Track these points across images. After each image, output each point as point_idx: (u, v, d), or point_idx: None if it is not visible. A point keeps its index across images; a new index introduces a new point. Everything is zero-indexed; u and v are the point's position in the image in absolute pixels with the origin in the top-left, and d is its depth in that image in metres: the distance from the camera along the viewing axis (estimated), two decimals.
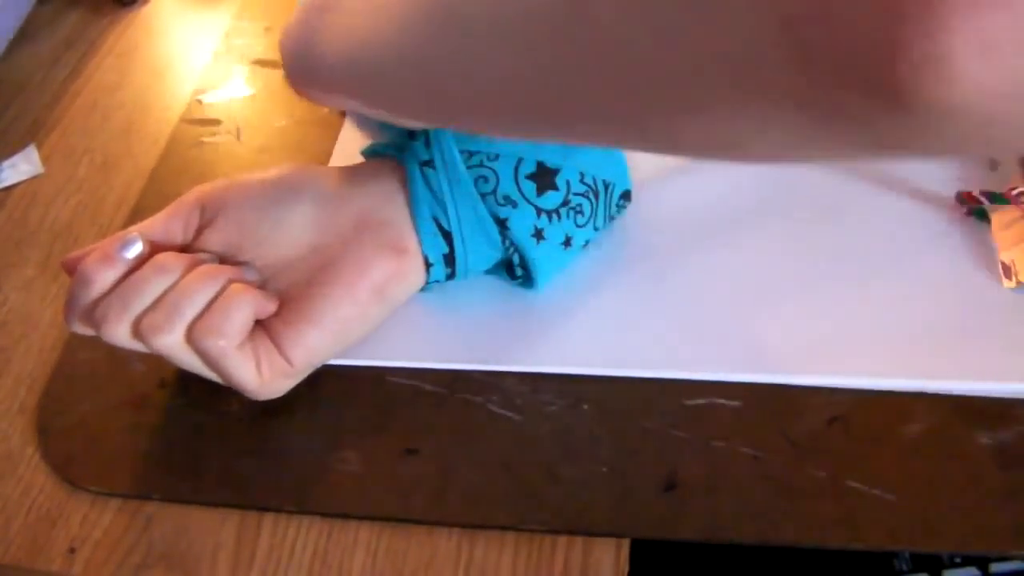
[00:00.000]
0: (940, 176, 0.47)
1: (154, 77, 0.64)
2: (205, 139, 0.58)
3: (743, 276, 0.45)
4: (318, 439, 0.42)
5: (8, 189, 0.58)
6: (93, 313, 0.39)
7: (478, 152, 0.43)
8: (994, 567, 0.51)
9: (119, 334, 0.39)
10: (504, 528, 0.39)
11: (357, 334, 0.43)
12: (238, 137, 0.58)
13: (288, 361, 0.41)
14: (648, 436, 0.40)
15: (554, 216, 0.43)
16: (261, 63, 0.63)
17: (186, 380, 0.45)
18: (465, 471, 0.40)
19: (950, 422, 0.39)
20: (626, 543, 0.38)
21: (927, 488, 0.37)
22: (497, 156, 0.43)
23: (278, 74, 0.62)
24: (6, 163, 0.59)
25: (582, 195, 0.44)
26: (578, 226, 0.44)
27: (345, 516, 0.40)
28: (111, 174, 0.57)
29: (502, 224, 0.43)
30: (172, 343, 0.39)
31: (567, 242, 0.44)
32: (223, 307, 0.39)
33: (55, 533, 0.41)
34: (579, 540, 0.38)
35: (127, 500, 0.42)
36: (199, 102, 0.61)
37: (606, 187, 0.45)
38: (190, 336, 0.39)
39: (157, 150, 0.58)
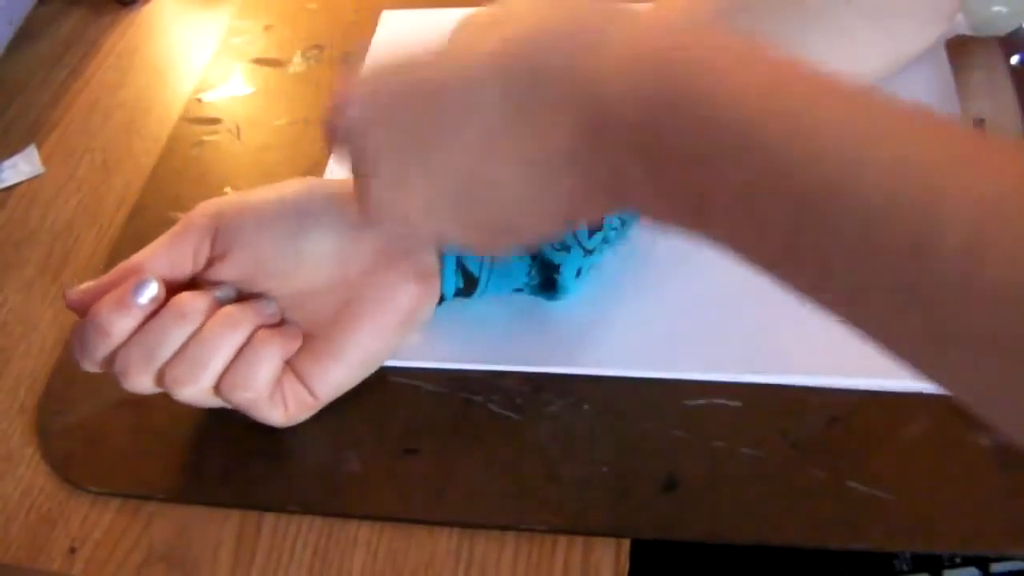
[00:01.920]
0: None
1: (154, 76, 0.64)
2: (205, 138, 0.58)
3: (743, 276, 0.45)
4: (318, 439, 0.42)
5: (8, 189, 0.58)
6: (113, 363, 0.38)
7: None
8: (994, 567, 0.51)
9: (141, 385, 0.38)
10: (504, 528, 0.39)
11: (381, 361, 0.43)
12: (238, 136, 0.58)
13: (314, 396, 0.41)
14: (648, 436, 0.40)
15: (593, 252, 0.44)
16: (260, 62, 0.63)
17: None
18: (465, 471, 0.40)
19: (950, 422, 0.39)
20: (626, 543, 0.38)
21: (927, 488, 0.37)
22: None
23: (277, 72, 0.62)
24: (6, 163, 0.59)
25: (614, 228, 0.44)
26: (603, 254, 0.45)
27: (345, 516, 0.40)
28: (111, 174, 0.57)
29: (550, 267, 0.42)
30: (199, 392, 0.38)
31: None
32: (252, 360, 0.38)
33: (55, 533, 0.41)
34: (579, 540, 0.38)
35: (127, 500, 0.42)
36: (199, 101, 0.61)
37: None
38: (219, 389, 0.38)
39: (157, 149, 0.58)
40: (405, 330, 0.42)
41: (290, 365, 0.40)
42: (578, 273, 0.43)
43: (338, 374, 0.41)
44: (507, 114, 0.31)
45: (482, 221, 0.34)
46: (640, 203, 0.31)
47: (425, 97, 0.33)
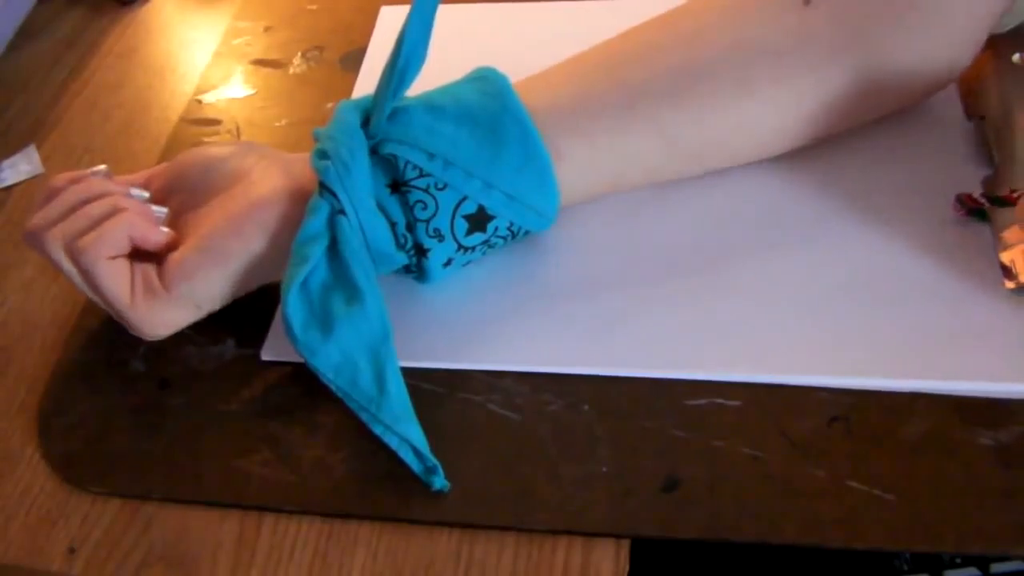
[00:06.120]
0: (939, 177, 0.47)
1: (154, 77, 0.64)
2: (206, 139, 0.58)
3: (743, 276, 0.45)
4: (318, 438, 0.42)
5: (8, 189, 0.58)
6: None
7: (430, 175, 0.42)
8: (994, 567, 0.51)
9: (46, 242, 0.43)
10: (504, 528, 0.39)
11: (247, 272, 0.44)
12: (238, 137, 0.58)
13: (162, 280, 0.43)
14: (648, 436, 0.40)
15: (468, 251, 0.44)
16: (261, 63, 0.63)
17: (186, 380, 0.45)
18: (465, 471, 0.40)
19: (950, 422, 0.39)
20: (626, 543, 0.38)
21: (927, 488, 0.37)
22: (445, 187, 0.42)
23: (277, 74, 0.62)
24: (6, 163, 0.59)
25: (502, 238, 0.45)
26: (483, 254, 0.46)
27: (345, 516, 0.40)
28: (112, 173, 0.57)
29: (421, 251, 0.43)
30: (62, 255, 0.43)
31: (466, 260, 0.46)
32: (102, 228, 0.42)
33: (55, 533, 0.41)
34: (579, 540, 0.38)
35: (127, 500, 0.42)
36: (199, 102, 0.61)
37: (524, 232, 0.45)
38: (68, 249, 0.42)
39: (157, 150, 0.58)
40: (260, 222, 0.43)
41: (157, 260, 0.44)
42: (448, 263, 0.44)
43: (189, 262, 0.43)
44: None
45: None
46: None
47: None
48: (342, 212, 0.41)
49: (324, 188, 0.42)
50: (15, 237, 0.55)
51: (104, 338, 0.48)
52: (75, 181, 0.45)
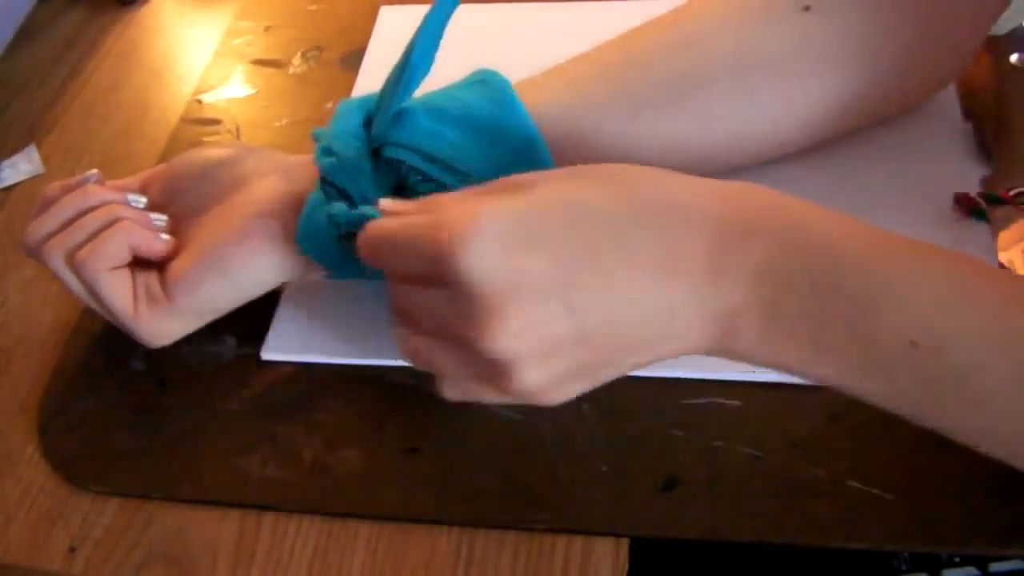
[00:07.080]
0: (938, 177, 0.47)
1: (154, 77, 0.64)
2: (205, 139, 0.58)
3: None
4: (318, 438, 0.42)
5: (8, 189, 0.58)
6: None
7: (432, 180, 0.42)
8: (993, 567, 0.51)
9: (47, 252, 0.43)
10: (504, 527, 0.39)
11: (249, 281, 0.44)
12: (238, 137, 0.58)
13: (165, 290, 0.43)
14: (648, 436, 0.40)
15: None
16: (261, 63, 0.63)
17: (186, 379, 0.45)
18: (465, 470, 0.40)
19: None
20: (626, 542, 0.38)
21: (926, 487, 0.37)
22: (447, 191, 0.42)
23: (278, 74, 0.62)
24: (6, 163, 0.59)
25: None
26: None
27: (345, 515, 0.40)
28: (111, 174, 0.57)
29: None
30: (66, 267, 0.42)
31: None
32: (102, 237, 0.42)
33: (55, 532, 0.41)
34: (579, 539, 0.38)
35: (127, 499, 0.42)
36: (199, 102, 0.61)
37: None
38: (71, 261, 0.42)
39: (157, 150, 0.58)
40: (262, 231, 0.43)
41: (158, 269, 0.44)
42: None
43: (192, 271, 0.43)
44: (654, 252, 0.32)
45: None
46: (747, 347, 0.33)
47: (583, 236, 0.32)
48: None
49: (327, 183, 0.42)
50: (15, 237, 0.55)
51: (104, 338, 0.48)
52: (69, 189, 0.44)
